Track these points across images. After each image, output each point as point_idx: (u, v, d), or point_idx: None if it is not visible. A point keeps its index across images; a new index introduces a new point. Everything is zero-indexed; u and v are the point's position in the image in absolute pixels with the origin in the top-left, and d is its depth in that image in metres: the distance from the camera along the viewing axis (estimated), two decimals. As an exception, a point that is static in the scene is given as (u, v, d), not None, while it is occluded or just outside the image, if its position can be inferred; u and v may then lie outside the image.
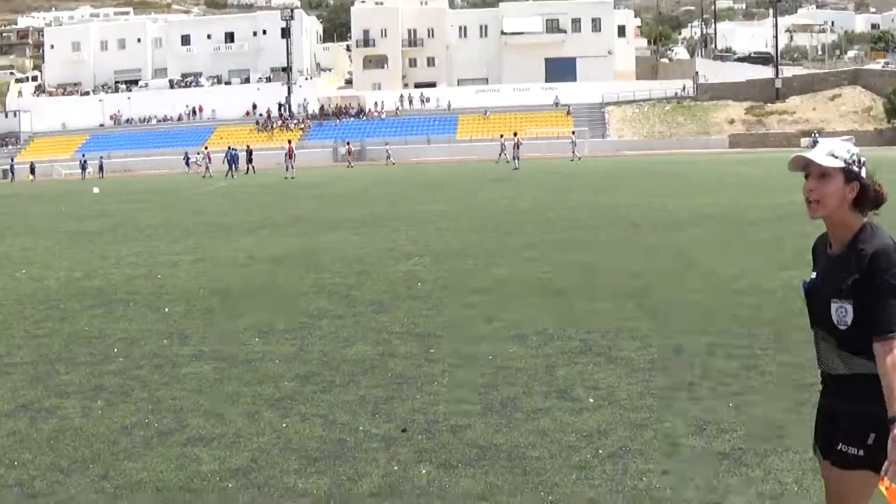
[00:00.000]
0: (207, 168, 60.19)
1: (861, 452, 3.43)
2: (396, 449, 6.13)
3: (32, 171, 73.24)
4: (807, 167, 3.53)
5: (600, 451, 5.98)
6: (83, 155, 75.39)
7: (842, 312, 3.45)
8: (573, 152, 64.61)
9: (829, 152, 3.49)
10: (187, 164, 68.80)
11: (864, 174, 3.51)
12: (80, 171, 70.12)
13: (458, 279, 13.33)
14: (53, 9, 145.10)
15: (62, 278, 14.86)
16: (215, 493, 5.49)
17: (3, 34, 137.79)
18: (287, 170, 54.19)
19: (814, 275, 3.66)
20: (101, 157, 72.86)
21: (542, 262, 14.81)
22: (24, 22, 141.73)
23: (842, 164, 3.47)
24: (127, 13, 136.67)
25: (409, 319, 10.46)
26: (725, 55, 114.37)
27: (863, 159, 3.52)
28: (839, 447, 3.50)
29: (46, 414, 7.22)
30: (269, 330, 10.13)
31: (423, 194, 33.87)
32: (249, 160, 60.77)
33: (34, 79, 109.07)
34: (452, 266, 14.70)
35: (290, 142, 61.81)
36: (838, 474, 3.54)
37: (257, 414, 7.03)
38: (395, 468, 5.79)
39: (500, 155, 63.01)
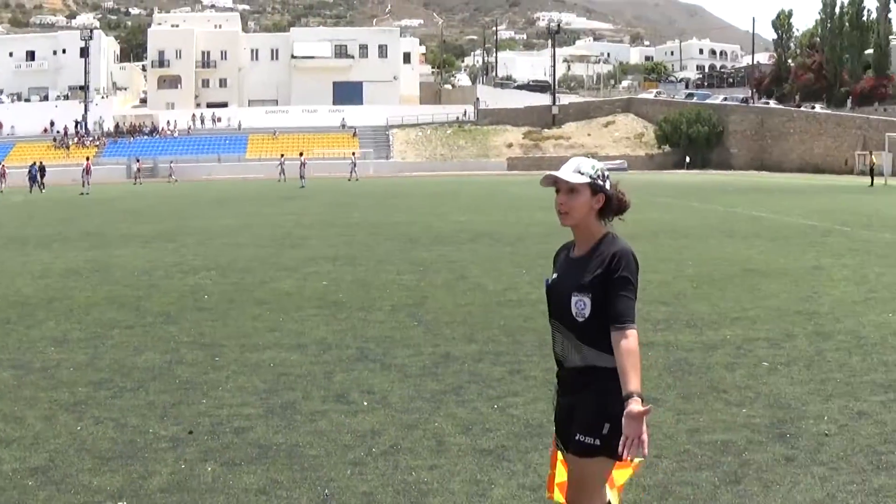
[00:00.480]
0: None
1: (597, 441, 3.66)
2: (184, 449, 6.33)
3: None
4: (556, 183, 3.78)
5: (373, 450, 6.29)
6: None
7: (581, 305, 3.70)
8: (351, 173, 65.72)
9: (576, 169, 3.77)
10: None
11: (608, 186, 3.79)
12: None
13: (243, 292, 13.48)
14: None
15: None
16: (16, 490, 5.61)
17: None
18: (83, 185, 53.49)
19: (555, 275, 3.95)
20: None
21: (323, 275, 15.12)
22: None
23: (588, 180, 3.75)
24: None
25: (196, 330, 10.60)
26: (506, 83, 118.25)
27: (606, 173, 3.80)
28: (577, 437, 3.71)
29: None
30: (63, 339, 10.15)
31: (211, 210, 33.49)
32: (42, 175, 59.49)
33: None
34: (238, 279, 14.83)
35: (87, 158, 61.87)
36: (577, 463, 3.76)
37: (54, 417, 7.13)
38: (183, 467, 5.98)
39: (280, 175, 63.48)
